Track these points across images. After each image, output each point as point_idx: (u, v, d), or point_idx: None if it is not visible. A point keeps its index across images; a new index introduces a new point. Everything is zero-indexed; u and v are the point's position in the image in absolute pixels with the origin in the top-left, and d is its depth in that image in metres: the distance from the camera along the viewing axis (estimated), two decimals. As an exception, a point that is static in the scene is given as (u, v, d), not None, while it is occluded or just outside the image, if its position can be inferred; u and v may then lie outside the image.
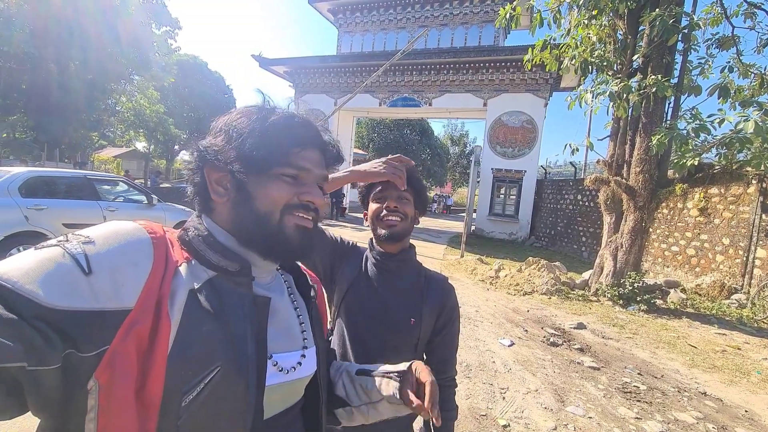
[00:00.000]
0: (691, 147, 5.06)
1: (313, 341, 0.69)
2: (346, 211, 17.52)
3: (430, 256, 9.44)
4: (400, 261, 1.08)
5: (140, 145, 28.30)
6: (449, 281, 1.15)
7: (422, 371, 0.69)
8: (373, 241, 1.10)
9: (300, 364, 0.63)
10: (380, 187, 1.07)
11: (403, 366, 0.72)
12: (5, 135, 13.63)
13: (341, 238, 1.16)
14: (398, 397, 0.68)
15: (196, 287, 0.53)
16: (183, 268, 0.54)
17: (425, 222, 19.67)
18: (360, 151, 26.51)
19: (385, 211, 1.04)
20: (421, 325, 1.03)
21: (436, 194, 34.44)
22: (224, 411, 0.51)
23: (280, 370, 0.60)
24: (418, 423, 1.22)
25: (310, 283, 0.77)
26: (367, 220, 1.12)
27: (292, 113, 0.63)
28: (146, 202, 5.96)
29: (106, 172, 20.82)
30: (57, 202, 4.86)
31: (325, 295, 0.84)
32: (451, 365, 1.12)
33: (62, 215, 4.83)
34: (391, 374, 0.71)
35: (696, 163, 5.02)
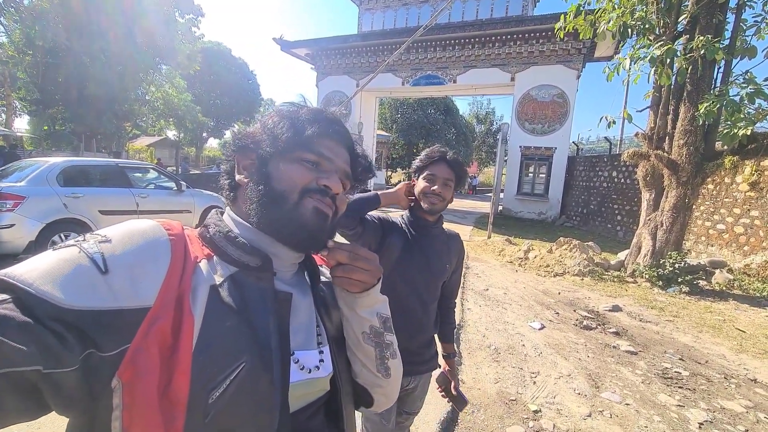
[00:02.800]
0: (743, 115, 4.61)
1: (327, 341, 0.66)
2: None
3: (457, 237, 9.28)
4: (437, 226, 1.44)
5: (171, 134, 29.15)
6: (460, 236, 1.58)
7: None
8: (414, 210, 1.43)
9: (323, 361, 0.63)
10: (429, 171, 1.36)
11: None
12: (46, 128, 14.31)
13: (379, 216, 1.40)
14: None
15: (217, 283, 0.53)
16: (203, 265, 0.54)
17: (451, 203, 19.37)
18: (383, 133, 26.23)
19: (431, 192, 1.34)
20: (450, 267, 1.46)
21: (462, 174, 33.73)
22: (251, 406, 0.51)
23: (301, 369, 0.59)
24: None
25: (325, 269, 0.75)
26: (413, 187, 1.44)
27: (324, 109, 0.66)
28: (176, 188, 6.10)
29: (140, 160, 21.60)
30: (92, 190, 5.05)
31: None
32: (457, 292, 1.58)
33: (97, 202, 5.02)
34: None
35: (748, 132, 4.57)
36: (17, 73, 13.92)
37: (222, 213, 0.65)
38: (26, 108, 15.38)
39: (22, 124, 18.72)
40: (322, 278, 0.73)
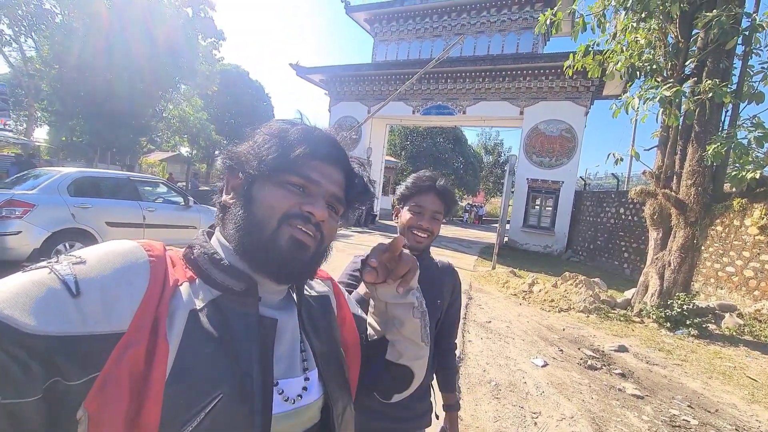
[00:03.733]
0: (751, 158, 4.61)
1: (315, 363, 0.62)
2: (377, 218, 17.53)
3: (461, 267, 9.19)
4: (424, 258, 1.26)
5: (184, 150, 29.81)
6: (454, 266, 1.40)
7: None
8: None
9: (305, 389, 0.59)
10: (416, 202, 1.19)
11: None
12: (64, 138, 14.70)
13: (355, 264, 1.20)
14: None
15: (198, 307, 0.50)
16: (184, 288, 0.51)
17: (456, 232, 19.33)
18: (392, 159, 26.55)
19: (417, 227, 1.18)
20: (442, 303, 1.28)
21: (468, 203, 33.85)
22: None
23: (285, 399, 0.55)
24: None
25: (320, 281, 0.75)
26: (396, 218, 1.27)
27: (317, 127, 0.62)
28: (183, 203, 6.17)
29: (152, 174, 21.98)
30: (101, 201, 5.11)
31: (345, 294, 0.79)
32: (456, 330, 1.39)
33: (105, 214, 5.08)
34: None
35: (757, 176, 4.57)
36: (42, 86, 14.45)
37: (211, 234, 0.62)
38: (46, 119, 15.88)
39: (41, 134, 19.28)
40: (308, 292, 0.70)
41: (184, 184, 20.83)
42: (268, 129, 0.60)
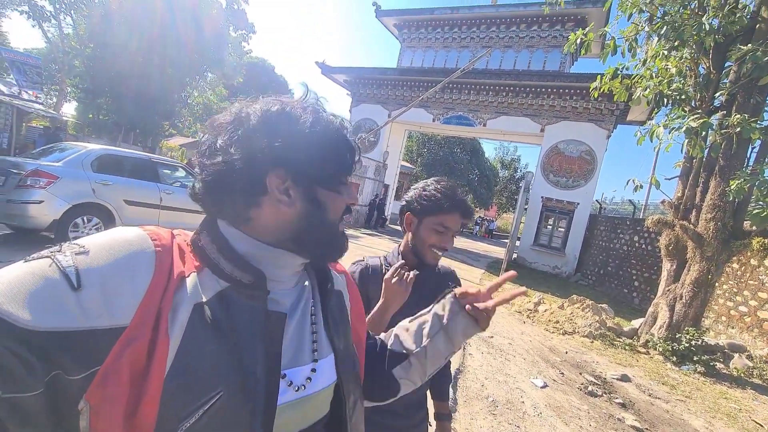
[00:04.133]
0: (776, 198, 4.50)
1: (330, 348, 0.63)
2: (387, 222, 17.54)
3: (466, 279, 9.13)
4: (432, 268, 1.23)
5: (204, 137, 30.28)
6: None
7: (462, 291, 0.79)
8: (407, 255, 1.20)
9: (310, 379, 0.58)
10: (442, 221, 1.12)
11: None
12: (91, 116, 15.07)
13: (353, 276, 1.18)
14: (455, 299, 0.78)
15: (203, 300, 0.48)
16: (191, 279, 0.49)
17: (465, 244, 19.20)
18: (408, 164, 26.58)
19: (440, 247, 1.13)
20: None
21: (479, 217, 33.62)
22: None
23: (289, 385, 0.55)
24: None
25: (335, 274, 0.74)
26: (407, 229, 1.19)
27: (344, 126, 0.63)
28: (200, 189, 6.27)
29: (172, 158, 22.36)
30: (121, 179, 5.23)
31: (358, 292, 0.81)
32: None
33: (124, 192, 5.19)
34: (443, 298, 0.80)
35: (781, 216, 4.46)
36: (75, 63, 14.86)
37: (214, 222, 0.58)
38: (76, 95, 16.30)
39: (69, 110, 19.78)
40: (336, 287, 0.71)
41: (201, 170, 21.12)
42: (322, 136, 0.57)
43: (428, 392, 1.32)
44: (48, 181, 4.56)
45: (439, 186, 1.15)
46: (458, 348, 0.78)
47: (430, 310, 0.80)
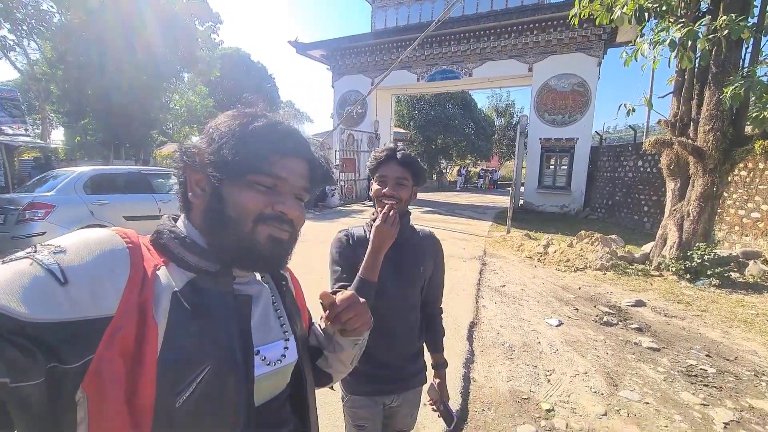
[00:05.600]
0: (774, 97, 4.34)
1: (291, 330, 0.70)
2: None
3: (474, 233, 9.16)
4: (405, 228, 1.30)
5: (196, 140, 29.99)
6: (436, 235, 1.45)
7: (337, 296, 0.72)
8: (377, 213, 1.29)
9: (284, 356, 0.65)
10: (380, 172, 1.26)
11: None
12: (78, 138, 15.01)
13: (341, 242, 1.29)
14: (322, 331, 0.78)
15: (178, 289, 0.53)
16: (162, 272, 0.53)
17: (471, 198, 19.13)
18: (401, 130, 26.11)
19: (382, 195, 1.24)
20: (425, 270, 1.34)
21: (481, 169, 33.23)
22: (218, 406, 0.53)
23: (267, 363, 0.61)
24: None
25: (283, 273, 0.77)
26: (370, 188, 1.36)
27: (279, 120, 0.61)
28: (196, 193, 6.30)
29: (167, 166, 22.35)
30: (117, 197, 5.28)
31: (300, 285, 0.84)
32: (440, 296, 1.46)
33: (122, 209, 5.26)
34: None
35: (781, 115, 4.31)
36: (51, 87, 14.66)
37: (176, 219, 0.64)
38: (59, 120, 16.20)
39: (57, 136, 19.74)
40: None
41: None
42: (227, 125, 0.59)
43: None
44: (46, 212, 4.63)
45: (377, 149, 1.32)
46: (360, 351, 0.79)
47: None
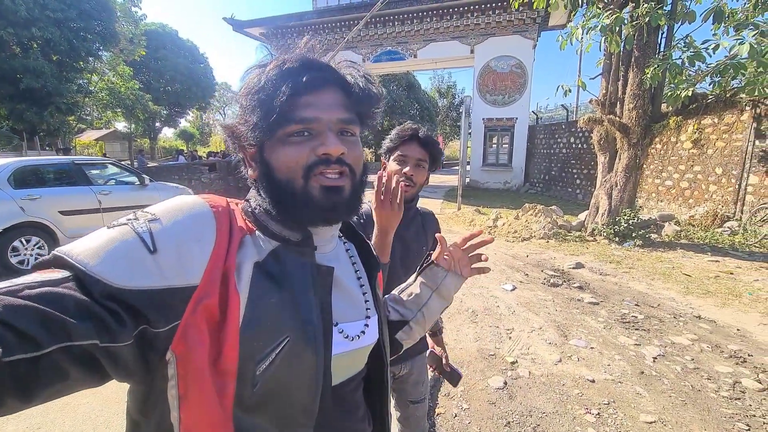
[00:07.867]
0: (685, 77, 4.96)
1: (375, 310, 0.69)
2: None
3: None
4: (412, 208, 1.34)
5: (120, 126, 27.35)
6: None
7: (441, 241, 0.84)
8: None
9: (363, 332, 0.64)
10: (401, 151, 1.24)
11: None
12: (-17, 127, 13.13)
13: (361, 222, 1.27)
14: (437, 265, 0.84)
15: (261, 259, 0.53)
16: (247, 240, 0.54)
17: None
18: (347, 112, 25.76)
19: (402, 175, 1.21)
20: (428, 249, 1.33)
21: (428, 150, 33.88)
22: (296, 377, 0.53)
23: (345, 338, 0.61)
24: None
25: (374, 252, 0.76)
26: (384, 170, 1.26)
27: (284, 58, 0.56)
28: (138, 182, 5.86)
29: (89, 155, 20.18)
30: (50, 190, 4.77)
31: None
32: None
33: (57, 203, 4.76)
34: (424, 264, 0.86)
35: (690, 93, 4.96)
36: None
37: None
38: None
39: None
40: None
41: (129, 162, 19.41)
42: (246, 88, 0.56)
43: None
44: (-36, 211, 4.09)
45: (399, 126, 1.29)
46: (450, 302, 0.84)
47: (416, 279, 0.85)
